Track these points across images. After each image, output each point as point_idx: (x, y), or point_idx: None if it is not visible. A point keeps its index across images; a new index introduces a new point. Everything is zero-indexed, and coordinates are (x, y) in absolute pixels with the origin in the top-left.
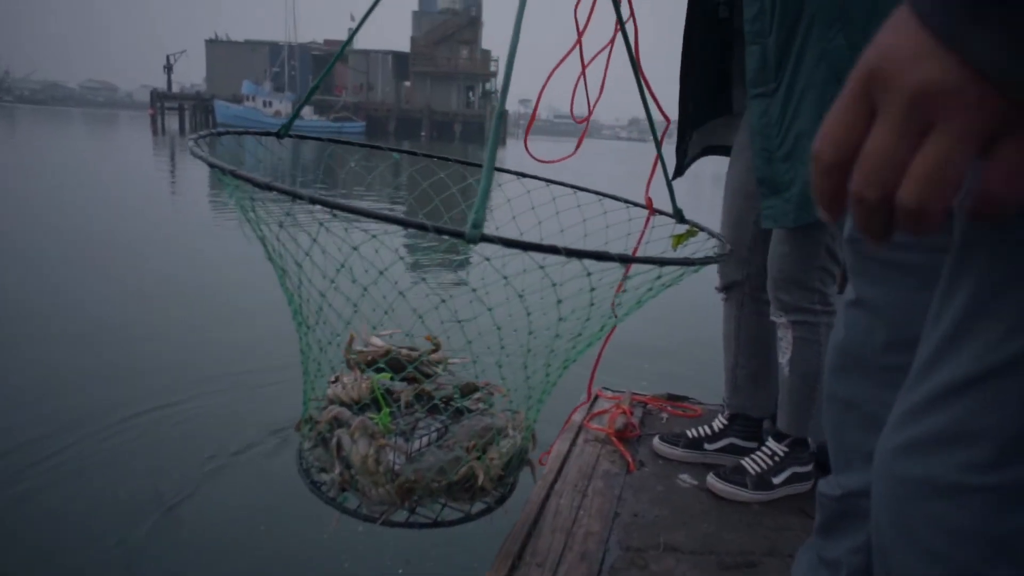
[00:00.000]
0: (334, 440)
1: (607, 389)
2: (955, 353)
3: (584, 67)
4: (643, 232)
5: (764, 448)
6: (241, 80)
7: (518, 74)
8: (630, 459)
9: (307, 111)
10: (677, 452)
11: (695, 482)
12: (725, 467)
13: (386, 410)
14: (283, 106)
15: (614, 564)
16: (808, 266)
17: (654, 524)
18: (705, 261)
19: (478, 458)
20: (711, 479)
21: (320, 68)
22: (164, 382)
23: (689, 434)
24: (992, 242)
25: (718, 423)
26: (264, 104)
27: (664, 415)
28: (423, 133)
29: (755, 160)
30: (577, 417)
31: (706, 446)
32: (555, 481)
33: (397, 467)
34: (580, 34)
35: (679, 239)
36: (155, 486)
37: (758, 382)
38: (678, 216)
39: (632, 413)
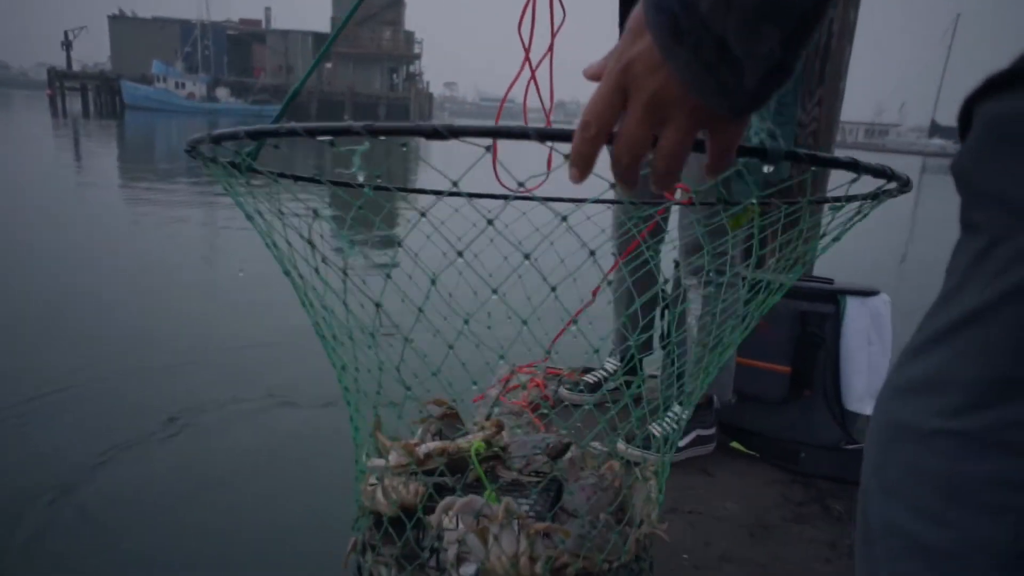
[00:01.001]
0: (449, 551)
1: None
2: (956, 299)
3: (527, 52)
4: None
5: (670, 412)
6: (150, 60)
7: (443, 56)
8: (543, 429)
9: (223, 93)
10: (583, 398)
11: (606, 449)
12: (641, 433)
13: (491, 487)
14: (197, 88)
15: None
16: (714, 233)
17: None
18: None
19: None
20: (621, 445)
21: (235, 48)
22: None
23: (589, 379)
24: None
25: (611, 365)
26: (177, 86)
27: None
28: (346, 116)
29: None
30: (493, 392)
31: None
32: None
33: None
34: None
35: (738, 220)
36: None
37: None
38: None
39: (546, 386)
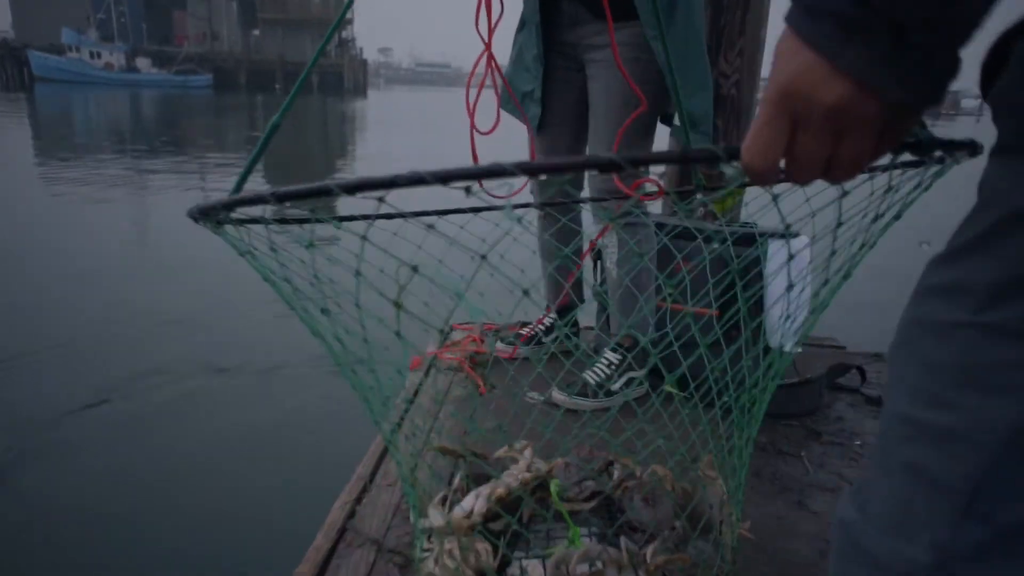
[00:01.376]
0: None
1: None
2: (982, 214)
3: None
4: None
5: (602, 359)
6: (58, 27)
7: (377, 21)
8: (481, 383)
9: (144, 64)
10: (521, 351)
11: (542, 398)
12: (577, 381)
13: (576, 530)
14: (115, 58)
15: (463, 475)
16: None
17: (504, 439)
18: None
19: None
20: (556, 393)
21: (153, 14)
22: None
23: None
24: None
25: (548, 319)
26: (92, 56)
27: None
28: (277, 86)
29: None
30: (432, 351)
31: (544, 340)
32: (407, 409)
33: None
34: None
35: (723, 204)
36: None
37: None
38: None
39: (483, 341)
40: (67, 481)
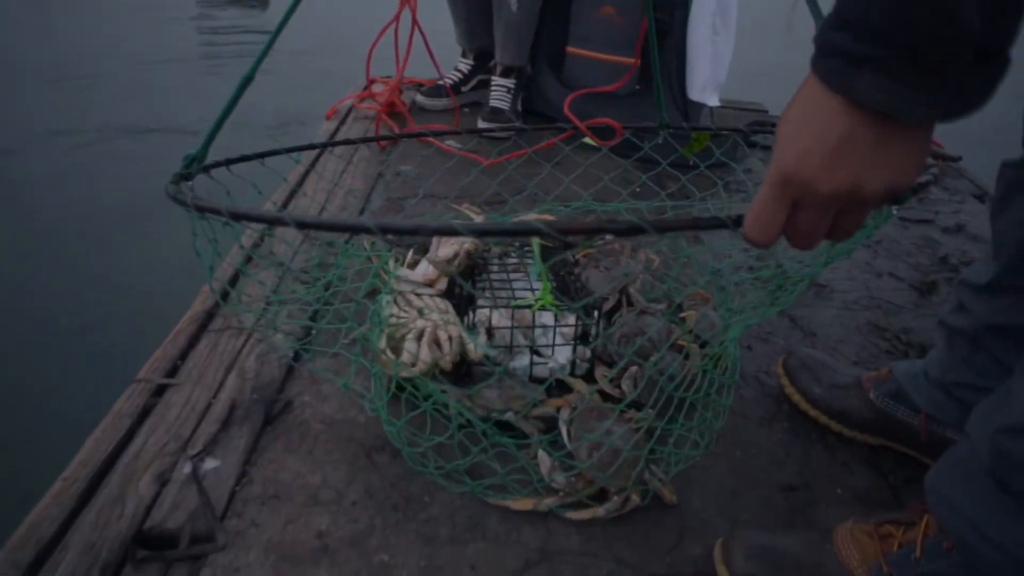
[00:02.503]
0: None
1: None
2: None
3: None
4: None
5: (497, 86)
6: None
7: None
8: (395, 129)
9: None
10: (440, 102)
11: (459, 146)
12: (487, 110)
13: (547, 285)
14: None
15: (375, 210)
16: None
17: (415, 180)
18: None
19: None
20: (481, 122)
21: None
22: None
23: (446, 81)
24: None
25: (464, 66)
26: None
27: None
28: None
29: None
30: (348, 102)
31: (463, 89)
32: (318, 157)
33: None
34: None
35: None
36: None
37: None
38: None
39: (402, 91)
40: None
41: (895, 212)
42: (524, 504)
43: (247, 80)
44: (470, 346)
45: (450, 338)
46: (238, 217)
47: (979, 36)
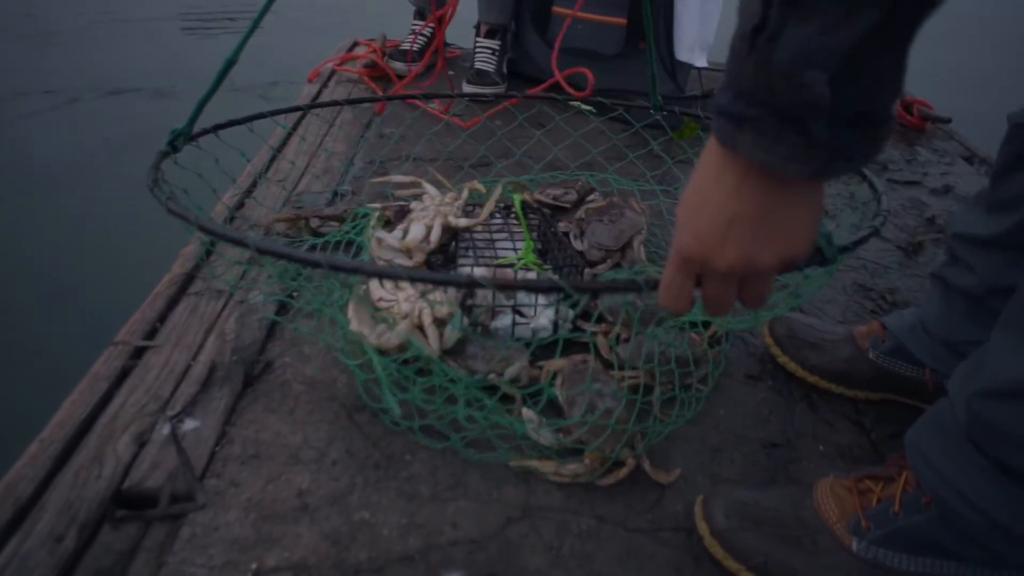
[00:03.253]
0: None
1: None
2: None
3: None
4: None
5: (482, 47)
6: None
7: None
8: (379, 92)
9: None
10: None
11: (437, 107)
12: (472, 72)
13: (530, 243)
14: None
15: (355, 174)
16: None
17: (399, 144)
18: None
19: None
20: (466, 85)
21: None
22: None
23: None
24: None
25: (427, 29)
26: None
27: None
28: None
29: None
30: (329, 65)
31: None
32: (302, 117)
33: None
34: None
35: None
36: None
37: None
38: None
39: (385, 53)
40: None
41: (830, 270)
42: (547, 466)
43: (230, 63)
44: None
45: (435, 320)
46: (205, 229)
47: (840, 101)
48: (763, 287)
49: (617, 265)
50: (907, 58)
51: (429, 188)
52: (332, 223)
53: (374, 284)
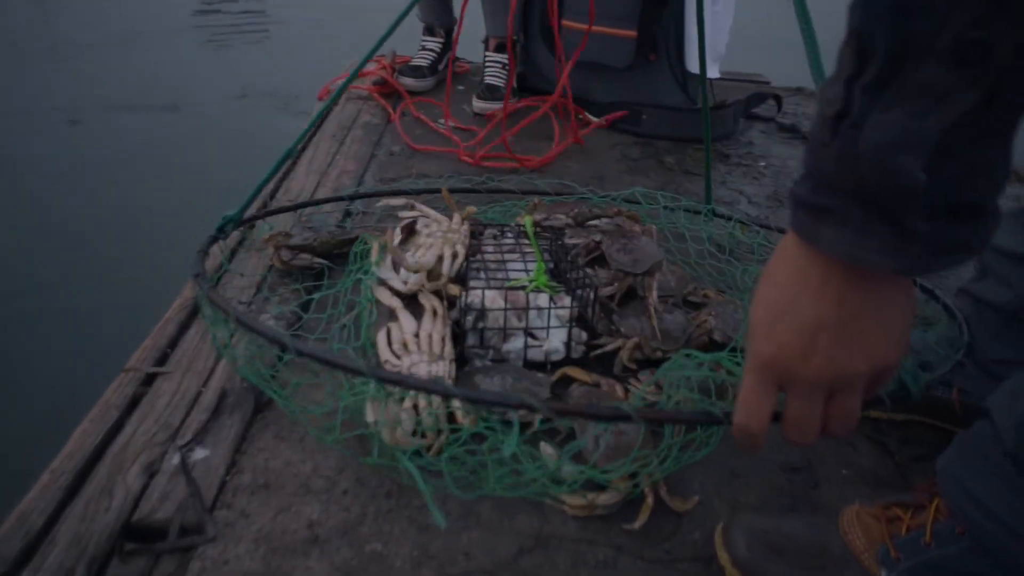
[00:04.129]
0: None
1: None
2: None
3: None
4: None
5: (492, 62)
6: None
7: None
8: (391, 110)
9: None
10: (425, 83)
11: (450, 123)
12: (482, 87)
13: (541, 264)
14: None
15: (368, 189)
16: None
17: (410, 160)
18: None
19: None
20: (476, 102)
21: None
22: None
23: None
24: None
25: (434, 44)
26: None
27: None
28: None
29: None
30: (340, 82)
31: (439, 68)
32: (314, 134)
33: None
34: None
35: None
36: None
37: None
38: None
39: (394, 70)
40: None
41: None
42: (576, 501)
43: (288, 154)
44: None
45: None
46: (244, 324)
47: (936, 189)
48: (852, 403)
49: (630, 289)
50: (1012, 143)
51: (431, 212)
52: (309, 257)
53: (381, 343)
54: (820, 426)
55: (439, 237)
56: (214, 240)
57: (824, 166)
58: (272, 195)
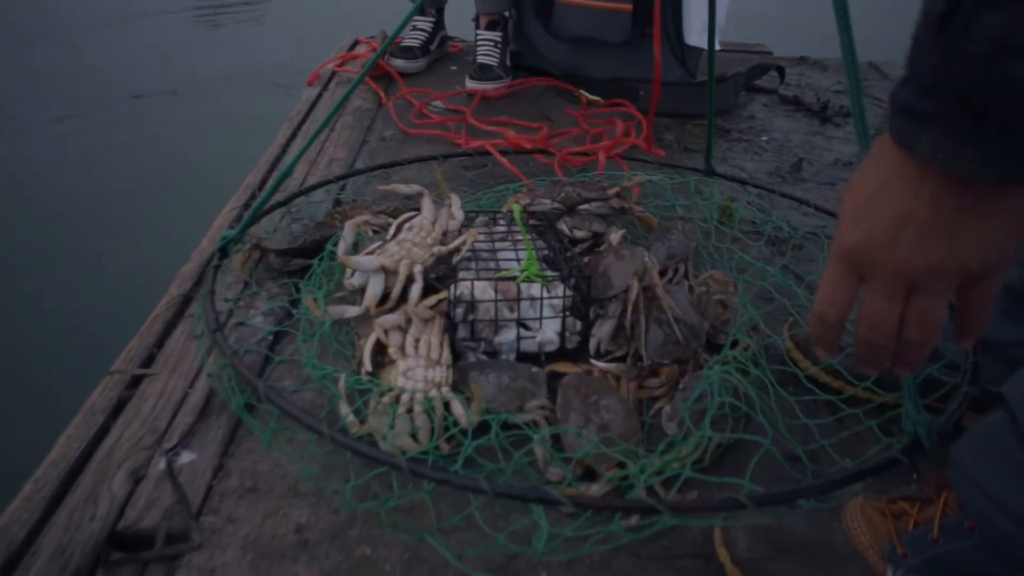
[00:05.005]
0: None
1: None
2: None
3: None
4: None
5: (483, 40)
6: None
7: None
8: (382, 94)
9: None
10: (417, 64)
11: (444, 105)
12: (475, 67)
13: (532, 253)
14: None
15: (359, 180)
16: None
17: (402, 145)
18: None
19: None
20: (469, 81)
21: None
22: None
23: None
24: None
25: (425, 24)
26: None
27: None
28: None
29: None
30: (329, 66)
31: (430, 48)
32: (302, 123)
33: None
34: None
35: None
36: None
37: None
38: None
39: (386, 52)
40: None
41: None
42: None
43: (284, 175)
44: (457, 411)
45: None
46: (276, 405)
47: None
48: (933, 306)
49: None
50: None
51: (426, 205)
52: (301, 262)
53: (367, 353)
54: (896, 327)
55: (407, 248)
56: (218, 267)
57: (928, 71)
58: (260, 185)
